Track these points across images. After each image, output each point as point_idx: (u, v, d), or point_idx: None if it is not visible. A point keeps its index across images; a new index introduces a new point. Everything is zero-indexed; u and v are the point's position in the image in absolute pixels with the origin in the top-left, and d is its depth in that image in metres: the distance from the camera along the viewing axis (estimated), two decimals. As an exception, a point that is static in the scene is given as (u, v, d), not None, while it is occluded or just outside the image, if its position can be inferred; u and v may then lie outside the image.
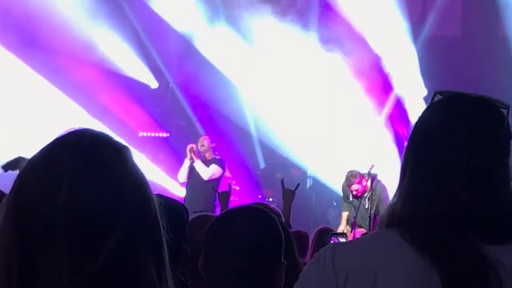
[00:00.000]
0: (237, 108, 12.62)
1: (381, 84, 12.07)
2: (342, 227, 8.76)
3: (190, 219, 2.80)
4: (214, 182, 9.31)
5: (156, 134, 13.05)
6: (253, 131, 13.02)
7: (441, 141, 1.56)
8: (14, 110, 11.03)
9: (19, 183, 1.18)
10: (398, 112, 12.20)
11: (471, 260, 1.45)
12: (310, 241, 5.84)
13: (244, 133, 12.90)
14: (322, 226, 6.50)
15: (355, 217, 8.51)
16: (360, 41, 11.88)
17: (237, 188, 12.12)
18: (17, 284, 1.13)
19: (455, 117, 1.58)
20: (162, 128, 13.09)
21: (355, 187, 8.75)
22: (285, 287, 2.08)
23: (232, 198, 12.97)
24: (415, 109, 11.39)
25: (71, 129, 1.23)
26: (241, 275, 2.00)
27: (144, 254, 1.16)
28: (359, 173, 8.80)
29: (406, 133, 11.32)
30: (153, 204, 1.21)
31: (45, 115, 11.04)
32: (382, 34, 11.90)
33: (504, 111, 1.60)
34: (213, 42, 12.34)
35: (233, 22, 12.09)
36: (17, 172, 1.22)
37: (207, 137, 10.33)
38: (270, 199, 11.99)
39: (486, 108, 1.59)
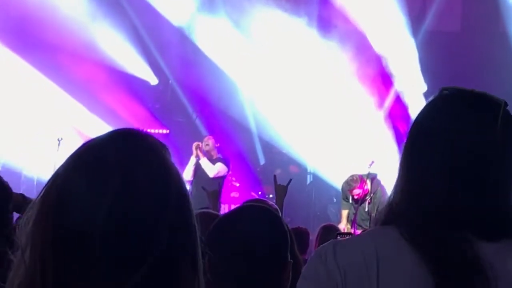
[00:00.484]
0: (237, 104, 12.61)
1: (380, 80, 12.07)
2: (343, 225, 8.75)
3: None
4: (219, 179, 9.41)
5: (156, 131, 13.02)
6: (253, 127, 13.01)
7: (441, 138, 1.55)
8: (15, 108, 11.03)
9: (56, 193, 1.13)
10: (398, 108, 12.20)
11: (466, 260, 1.44)
12: (314, 238, 5.83)
13: (244, 129, 12.89)
14: (326, 224, 6.50)
15: (355, 215, 8.51)
16: (360, 37, 11.87)
17: (237, 185, 12.12)
18: None
19: (455, 114, 1.57)
20: (162, 124, 13.07)
21: (356, 191, 8.73)
22: (286, 284, 2.08)
23: (232, 194, 12.93)
24: (415, 105, 11.39)
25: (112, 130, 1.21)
26: (247, 277, 1.98)
27: (185, 265, 1.16)
28: (360, 177, 8.78)
29: (406, 129, 11.29)
30: (193, 215, 1.20)
31: (45, 112, 11.05)
32: (382, 30, 11.90)
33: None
34: (213, 38, 12.33)
35: (233, 16, 12.07)
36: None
37: (211, 137, 10.50)
38: (271, 196, 11.98)
39: (487, 105, 1.57)
